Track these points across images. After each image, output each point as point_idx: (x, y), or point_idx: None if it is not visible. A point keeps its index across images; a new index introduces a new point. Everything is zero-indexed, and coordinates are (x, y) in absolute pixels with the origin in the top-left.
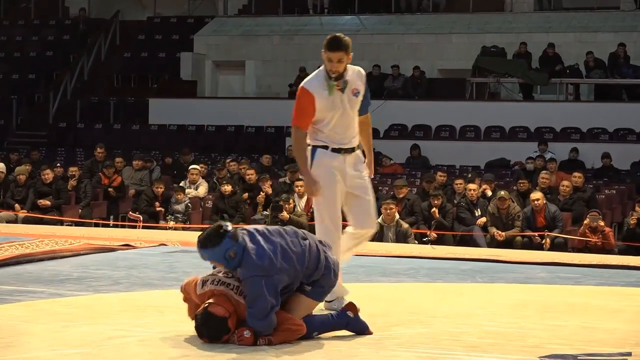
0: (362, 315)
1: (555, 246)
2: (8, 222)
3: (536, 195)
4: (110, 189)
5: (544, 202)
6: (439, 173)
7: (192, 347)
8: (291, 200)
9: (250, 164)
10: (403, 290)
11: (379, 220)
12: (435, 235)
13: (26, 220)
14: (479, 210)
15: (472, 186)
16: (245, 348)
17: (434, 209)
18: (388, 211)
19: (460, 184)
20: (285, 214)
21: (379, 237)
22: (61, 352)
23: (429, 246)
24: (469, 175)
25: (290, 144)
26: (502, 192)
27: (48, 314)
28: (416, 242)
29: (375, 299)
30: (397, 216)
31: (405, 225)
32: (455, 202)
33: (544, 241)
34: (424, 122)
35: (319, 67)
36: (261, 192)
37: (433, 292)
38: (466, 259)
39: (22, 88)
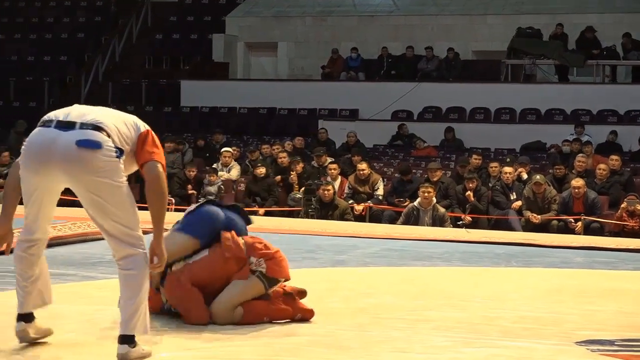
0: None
1: (592, 230)
2: None
3: (578, 182)
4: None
5: (585, 189)
6: (474, 156)
7: (221, 328)
8: (329, 186)
9: (282, 147)
10: (437, 274)
11: (415, 203)
12: (470, 219)
13: (58, 203)
14: (514, 193)
15: (507, 169)
16: (282, 329)
17: (468, 192)
18: (426, 195)
19: (495, 167)
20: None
21: (415, 220)
22: (94, 335)
23: (463, 230)
24: (507, 159)
25: (322, 126)
26: (538, 177)
27: (80, 296)
28: (451, 226)
29: (409, 283)
30: (434, 200)
31: (442, 210)
32: (490, 185)
33: (577, 225)
34: (459, 104)
35: (351, 49)
36: (291, 172)
37: (467, 276)
38: (501, 242)
39: (54, 70)
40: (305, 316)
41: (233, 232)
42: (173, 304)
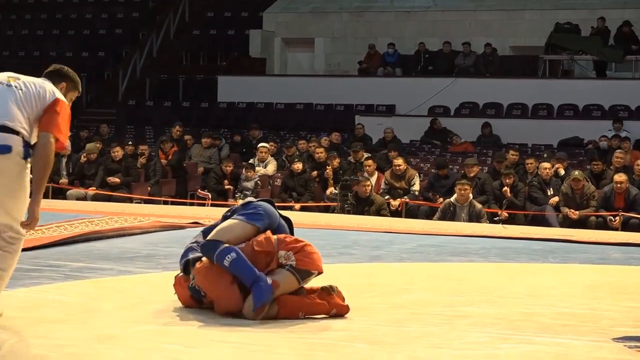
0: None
1: (630, 226)
2: (78, 199)
3: (621, 177)
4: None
5: (627, 185)
6: (511, 152)
7: (254, 322)
8: (367, 182)
9: (321, 143)
10: (474, 270)
11: (452, 199)
12: (507, 215)
13: (95, 198)
14: (551, 189)
15: (545, 165)
16: (317, 324)
17: (505, 188)
18: (462, 192)
19: (532, 163)
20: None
21: (451, 216)
22: (132, 329)
23: (500, 226)
24: (544, 155)
25: (358, 122)
26: (577, 172)
27: (117, 291)
28: (488, 222)
29: (446, 278)
30: (471, 196)
31: (479, 206)
32: (527, 181)
33: (615, 220)
34: (496, 100)
35: (388, 45)
36: (327, 167)
37: (504, 272)
38: (538, 238)
39: (92, 66)
40: (340, 312)
41: (269, 232)
42: (203, 288)
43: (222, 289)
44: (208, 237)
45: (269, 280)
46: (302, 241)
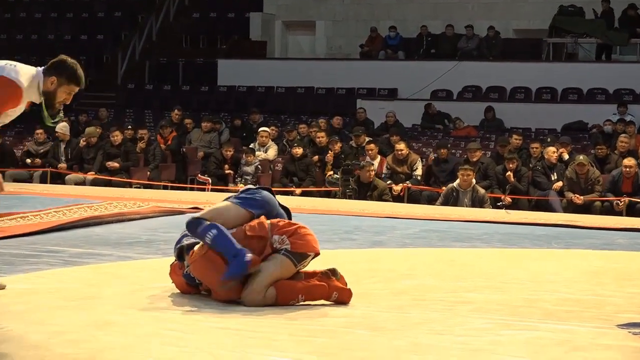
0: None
1: (636, 212)
2: (76, 184)
3: (630, 162)
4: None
5: (636, 169)
6: (514, 136)
7: (254, 308)
8: (371, 166)
9: (320, 126)
10: (477, 255)
11: (455, 184)
12: (510, 200)
13: (94, 183)
14: (555, 174)
15: (551, 149)
16: (318, 310)
17: (508, 172)
18: (465, 177)
19: (537, 147)
20: (369, 175)
21: (453, 201)
22: (131, 315)
23: (503, 211)
24: (548, 139)
25: (360, 106)
26: (581, 157)
27: (116, 277)
28: (491, 207)
29: (448, 264)
30: (474, 182)
31: (482, 191)
32: (530, 165)
33: (620, 204)
34: (499, 83)
35: (390, 27)
36: (329, 152)
37: (507, 258)
38: (542, 224)
39: (91, 49)
40: (342, 295)
41: (263, 217)
42: (199, 277)
43: (218, 279)
44: (195, 215)
45: (249, 256)
46: (295, 224)
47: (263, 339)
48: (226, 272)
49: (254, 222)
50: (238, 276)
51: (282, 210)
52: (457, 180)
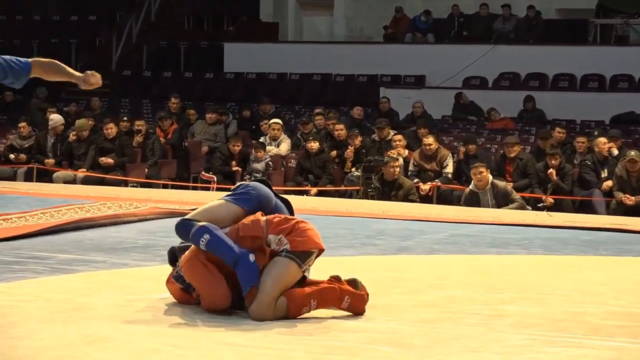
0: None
1: None
2: (66, 182)
3: None
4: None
5: None
6: (557, 129)
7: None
8: (396, 162)
9: (339, 118)
10: (515, 263)
11: (471, 186)
12: (552, 201)
13: (86, 181)
14: (606, 171)
15: (602, 140)
16: (337, 323)
17: (550, 170)
18: (478, 176)
19: (582, 141)
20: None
21: (476, 205)
22: (126, 329)
23: (544, 213)
24: (595, 132)
25: (384, 95)
26: (632, 153)
27: (110, 286)
28: (529, 208)
29: (483, 273)
30: (490, 178)
31: (502, 184)
32: (575, 162)
33: None
34: (540, 70)
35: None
36: (349, 147)
37: (549, 266)
38: (588, 228)
39: (82, 31)
40: (355, 301)
41: (259, 213)
42: (191, 282)
43: (208, 284)
44: (184, 217)
45: (252, 257)
46: (292, 219)
47: (275, 357)
48: (242, 286)
49: (248, 220)
50: (255, 281)
51: (281, 203)
52: (472, 183)
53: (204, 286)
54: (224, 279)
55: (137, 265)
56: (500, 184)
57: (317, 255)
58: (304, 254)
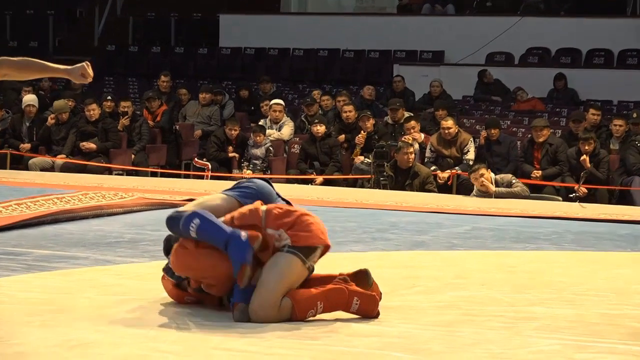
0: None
1: None
2: (43, 169)
3: None
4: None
5: None
6: (591, 110)
7: (269, 325)
8: (410, 148)
9: (348, 98)
10: (543, 260)
11: (474, 193)
12: (586, 191)
13: (66, 168)
14: None
15: None
16: (347, 327)
17: (583, 156)
18: (480, 180)
19: (620, 124)
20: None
21: None
22: (111, 333)
23: (576, 204)
24: (633, 115)
25: (398, 73)
26: None
27: (93, 285)
28: (560, 198)
29: (507, 270)
30: (493, 176)
31: (508, 177)
32: (611, 147)
33: None
34: (572, 45)
35: None
36: (361, 132)
37: (582, 264)
38: (626, 221)
39: (60, 3)
40: (365, 303)
41: (258, 202)
42: (178, 271)
43: (207, 265)
44: (176, 209)
45: (243, 235)
46: (295, 211)
47: None
48: (233, 264)
49: (245, 209)
50: (246, 258)
51: (282, 202)
52: (475, 188)
53: (200, 267)
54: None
55: (122, 262)
56: (506, 177)
57: (323, 253)
58: (307, 249)
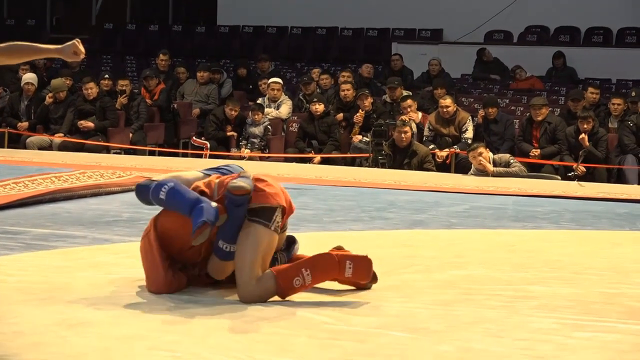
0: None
1: None
2: (41, 148)
3: None
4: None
5: None
6: (590, 89)
7: (260, 305)
8: (407, 127)
9: (351, 76)
10: (542, 238)
11: (472, 172)
12: (584, 169)
13: (63, 147)
14: None
15: None
16: (343, 306)
17: (582, 135)
18: (479, 158)
19: (619, 103)
20: (404, 138)
21: None
22: (110, 312)
23: (575, 183)
24: (632, 94)
25: (396, 51)
26: None
27: (91, 264)
28: (559, 177)
29: (506, 249)
30: (491, 156)
31: (506, 157)
32: (610, 126)
33: None
34: (571, 23)
35: None
36: (359, 111)
37: (580, 242)
38: (624, 199)
39: None
40: (360, 267)
41: (214, 176)
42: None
43: (149, 265)
44: (146, 179)
45: (214, 203)
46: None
47: (276, 343)
48: (193, 224)
49: (201, 182)
50: (209, 222)
51: None
52: (472, 167)
53: (146, 267)
54: (169, 266)
55: (120, 240)
56: (504, 157)
57: (285, 216)
58: (264, 210)
